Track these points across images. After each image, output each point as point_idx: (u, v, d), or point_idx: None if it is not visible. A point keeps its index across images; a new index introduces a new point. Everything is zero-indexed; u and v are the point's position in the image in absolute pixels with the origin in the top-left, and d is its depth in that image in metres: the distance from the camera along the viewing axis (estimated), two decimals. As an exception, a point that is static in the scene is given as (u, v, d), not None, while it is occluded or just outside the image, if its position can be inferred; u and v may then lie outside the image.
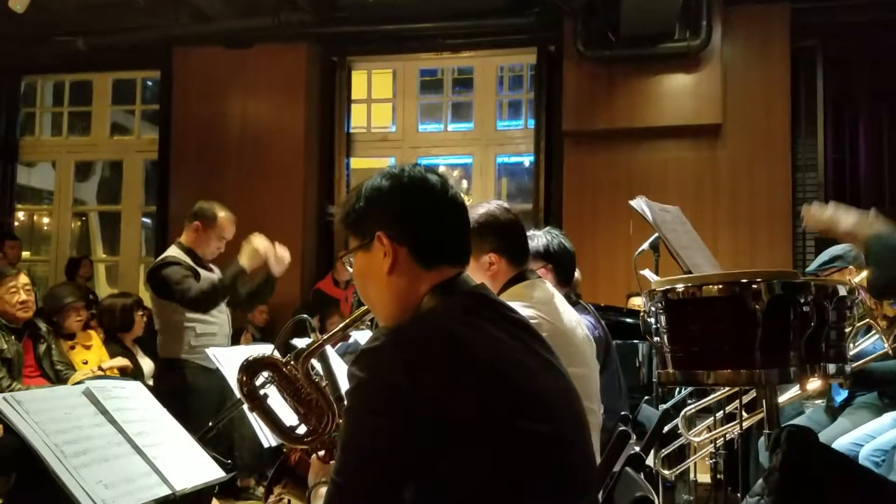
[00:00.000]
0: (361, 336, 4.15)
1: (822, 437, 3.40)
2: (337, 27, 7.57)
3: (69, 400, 2.33)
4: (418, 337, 1.30)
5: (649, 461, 3.30)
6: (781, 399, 3.32)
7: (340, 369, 3.09)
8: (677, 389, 4.27)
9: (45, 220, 9.28)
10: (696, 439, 3.69)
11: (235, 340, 5.68)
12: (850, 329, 2.21)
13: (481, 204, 2.30)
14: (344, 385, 1.36)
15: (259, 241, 3.98)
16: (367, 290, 1.48)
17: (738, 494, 3.20)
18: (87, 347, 4.98)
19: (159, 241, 7.74)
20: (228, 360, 3.02)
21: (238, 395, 1.69)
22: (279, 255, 4.03)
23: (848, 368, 2.19)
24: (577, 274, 4.24)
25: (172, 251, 4.09)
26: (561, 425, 1.33)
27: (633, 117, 6.99)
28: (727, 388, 3.33)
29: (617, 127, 7.02)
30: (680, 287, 2.08)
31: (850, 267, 3.39)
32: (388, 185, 1.44)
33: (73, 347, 4.87)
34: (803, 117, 6.98)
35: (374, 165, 7.88)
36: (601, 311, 4.20)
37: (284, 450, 1.87)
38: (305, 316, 2.32)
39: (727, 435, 3.51)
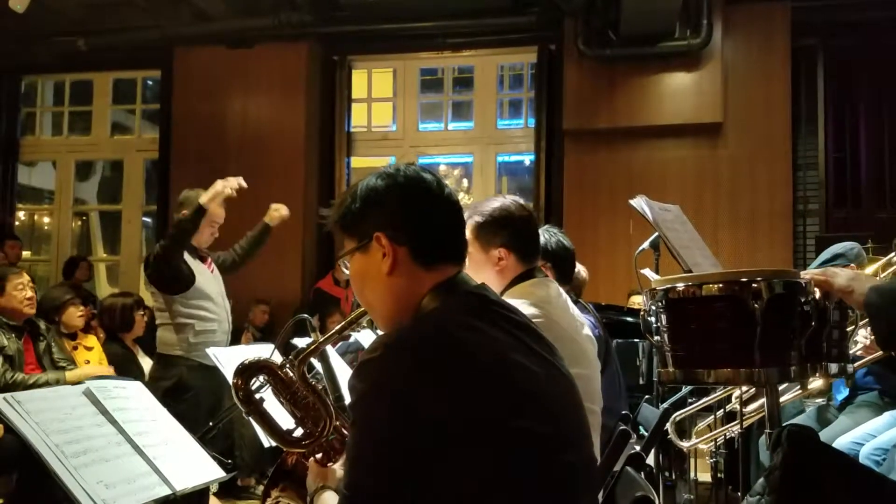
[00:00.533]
0: (361, 336, 4.15)
1: (823, 435, 3.40)
2: (337, 26, 7.57)
3: (69, 400, 2.34)
4: (416, 344, 1.29)
5: (649, 460, 3.30)
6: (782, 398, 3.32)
7: (340, 368, 3.09)
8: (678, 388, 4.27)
9: (46, 219, 9.29)
10: (686, 444, 3.69)
11: (236, 340, 5.68)
12: (851, 328, 2.20)
13: (496, 198, 2.28)
14: (343, 384, 1.36)
15: (221, 183, 4.02)
16: (365, 291, 1.47)
17: (739, 493, 3.20)
18: (89, 349, 4.99)
19: (160, 240, 7.73)
20: (228, 360, 3.02)
21: (234, 398, 1.68)
22: (279, 212, 4.26)
23: (850, 368, 2.19)
24: (584, 273, 4.25)
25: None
26: (561, 426, 1.33)
27: (633, 116, 6.99)
28: (726, 388, 3.33)
29: (617, 126, 7.02)
30: (680, 286, 2.08)
31: (852, 265, 3.39)
32: (384, 184, 1.42)
33: (75, 348, 4.88)
34: (804, 116, 6.98)
35: (375, 164, 7.87)
36: (601, 310, 4.20)
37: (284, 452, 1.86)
38: (306, 315, 2.32)
39: (727, 434, 3.51)
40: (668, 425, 3.46)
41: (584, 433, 1.41)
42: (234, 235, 4.39)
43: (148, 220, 8.59)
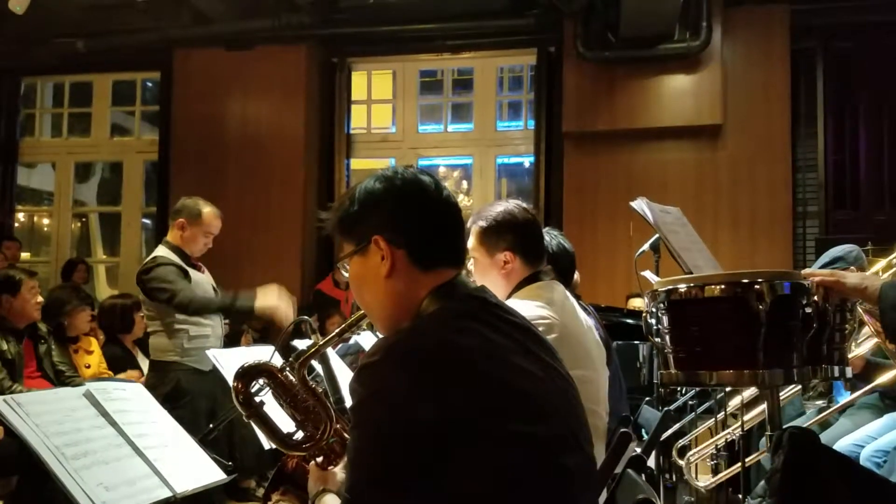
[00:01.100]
0: (361, 338, 4.15)
1: (823, 438, 3.40)
2: (337, 28, 7.57)
3: (70, 402, 2.33)
4: (418, 348, 1.29)
5: (650, 463, 3.30)
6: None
7: (341, 371, 3.09)
8: (679, 391, 4.26)
9: (45, 221, 9.28)
10: (682, 462, 3.70)
11: (235, 343, 5.67)
12: (850, 330, 2.20)
13: (499, 203, 2.30)
14: (344, 387, 1.36)
15: (284, 305, 3.85)
16: (363, 294, 1.47)
17: (740, 496, 3.20)
18: (89, 353, 4.98)
19: (159, 242, 7.71)
20: (229, 362, 3.01)
21: (234, 402, 1.68)
22: (287, 314, 3.88)
23: (849, 371, 2.19)
24: (576, 276, 4.25)
25: (161, 251, 4.06)
26: (561, 428, 1.33)
27: (633, 118, 6.99)
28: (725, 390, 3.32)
29: (617, 128, 7.02)
30: (682, 287, 2.08)
31: (852, 268, 3.39)
32: (382, 187, 1.42)
33: (76, 351, 4.88)
34: (803, 118, 6.98)
35: (375, 166, 7.87)
36: (602, 312, 4.20)
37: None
38: (306, 318, 2.31)
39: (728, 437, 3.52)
40: (673, 455, 3.47)
41: (584, 435, 1.40)
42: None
43: (147, 221, 8.58)
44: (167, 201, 7.72)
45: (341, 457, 1.60)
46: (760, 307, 1.94)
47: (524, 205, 2.31)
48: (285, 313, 3.83)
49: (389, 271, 1.40)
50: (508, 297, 2.20)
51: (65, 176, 8.52)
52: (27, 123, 8.68)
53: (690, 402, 3.95)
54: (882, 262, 2.67)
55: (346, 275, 1.48)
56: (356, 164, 7.99)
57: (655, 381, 4.01)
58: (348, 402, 1.33)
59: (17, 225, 8.76)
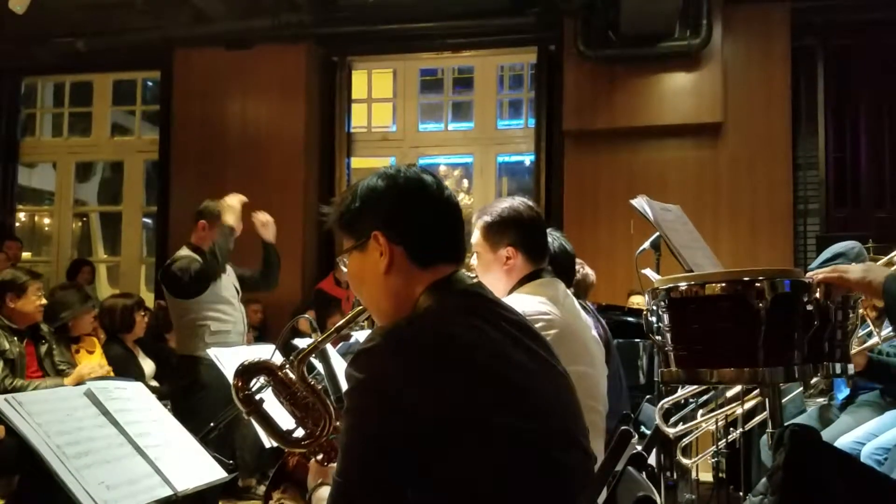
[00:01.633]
0: (362, 335, 4.15)
1: (825, 435, 3.40)
2: (337, 27, 7.56)
3: (71, 401, 2.34)
4: (413, 336, 1.30)
5: (650, 460, 3.30)
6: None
7: (341, 368, 3.09)
8: (679, 389, 4.26)
9: (46, 220, 9.28)
10: (672, 431, 3.68)
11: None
12: (853, 326, 2.20)
13: (506, 199, 2.32)
14: (344, 384, 1.36)
15: (233, 199, 4.24)
16: (362, 289, 1.48)
17: (741, 493, 3.20)
18: (90, 352, 4.98)
19: (160, 241, 7.74)
20: (229, 360, 3.02)
21: (234, 399, 1.68)
22: (261, 220, 4.38)
23: (851, 368, 2.19)
24: (593, 277, 4.26)
25: (183, 252, 4.22)
26: (557, 423, 1.34)
27: (633, 117, 6.98)
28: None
29: (617, 126, 7.01)
30: (683, 285, 2.08)
31: (853, 264, 3.38)
32: (384, 185, 1.44)
33: (77, 352, 4.88)
34: (804, 116, 6.98)
35: (375, 165, 7.87)
36: (602, 311, 4.20)
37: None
38: (306, 315, 2.32)
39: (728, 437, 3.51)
40: (656, 414, 3.46)
41: (581, 431, 1.41)
42: (241, 237, 4.43)
43: (148, 221, 8.58)
44: (168, 201, 7.74)
45: (341, 453, 1.60)
46: (761, 305, 1.94)
47: (530, 203, 2.32)
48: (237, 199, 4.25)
49: (388, 267, 1.41)
50: (510, 293, 2.21)
51: (65, 175, 8.52)
52: (28, 123, 8.68)
53: (691, 400, 3.95)
54: (883, 260, 2.66)
55: (346, 270, 1.50)
56: (356, 163, 7.99)
57: (656, 379, 4.01)
58: (348, 399, 1.33)
59: (18, 224, 8.76)
